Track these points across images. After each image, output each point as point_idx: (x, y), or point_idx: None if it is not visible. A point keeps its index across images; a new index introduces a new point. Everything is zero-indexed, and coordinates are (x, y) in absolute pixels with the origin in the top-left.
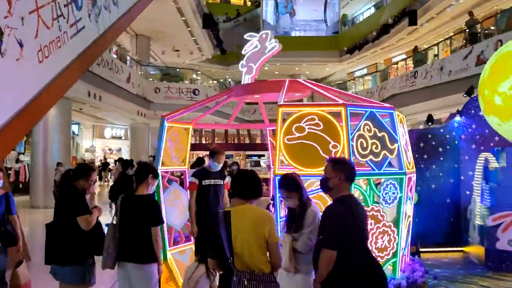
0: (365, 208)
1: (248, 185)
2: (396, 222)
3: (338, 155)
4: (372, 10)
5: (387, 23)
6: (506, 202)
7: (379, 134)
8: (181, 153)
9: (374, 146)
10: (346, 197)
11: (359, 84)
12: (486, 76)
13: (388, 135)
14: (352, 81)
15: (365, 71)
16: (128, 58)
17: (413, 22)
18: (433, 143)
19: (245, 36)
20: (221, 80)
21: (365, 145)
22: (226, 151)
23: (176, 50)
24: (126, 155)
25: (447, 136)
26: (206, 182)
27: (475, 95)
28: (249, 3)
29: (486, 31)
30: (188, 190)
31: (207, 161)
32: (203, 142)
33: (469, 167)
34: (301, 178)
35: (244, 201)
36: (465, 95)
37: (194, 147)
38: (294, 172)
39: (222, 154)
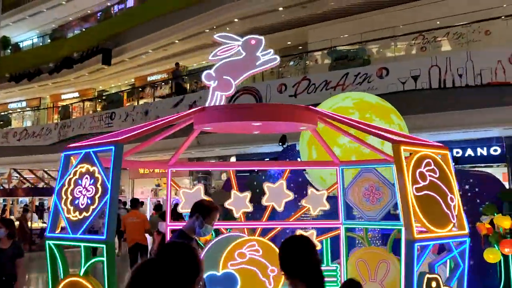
0: None
1: None
2: None
3: (456, 211)
4: (37, 39)
5: (71, 56)
6: None
7: None
8: None
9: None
10: None
11: (18, 117)
12: (321, 129)
13: None
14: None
15: (24, 104)
16: None
17: (107, 61)
18: (257, 190)
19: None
20: None
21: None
22: None
23: None
24: None
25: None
26: None
27: (288, 144)
28: None
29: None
30: None
31: None
32: None
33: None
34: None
35: None
36: (279, 144)
37: None
38: None
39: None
